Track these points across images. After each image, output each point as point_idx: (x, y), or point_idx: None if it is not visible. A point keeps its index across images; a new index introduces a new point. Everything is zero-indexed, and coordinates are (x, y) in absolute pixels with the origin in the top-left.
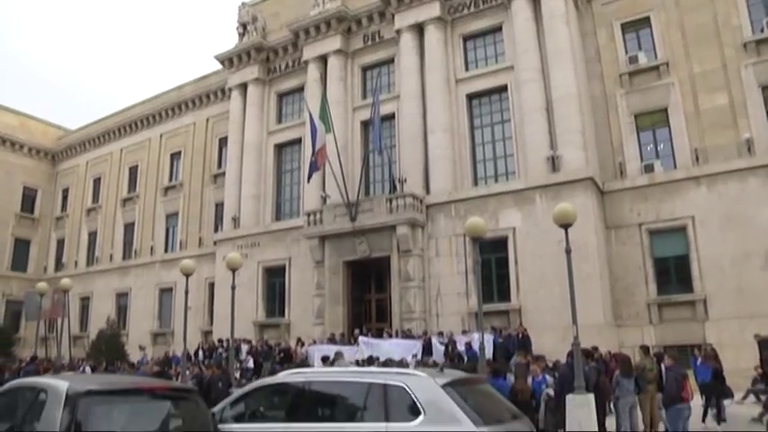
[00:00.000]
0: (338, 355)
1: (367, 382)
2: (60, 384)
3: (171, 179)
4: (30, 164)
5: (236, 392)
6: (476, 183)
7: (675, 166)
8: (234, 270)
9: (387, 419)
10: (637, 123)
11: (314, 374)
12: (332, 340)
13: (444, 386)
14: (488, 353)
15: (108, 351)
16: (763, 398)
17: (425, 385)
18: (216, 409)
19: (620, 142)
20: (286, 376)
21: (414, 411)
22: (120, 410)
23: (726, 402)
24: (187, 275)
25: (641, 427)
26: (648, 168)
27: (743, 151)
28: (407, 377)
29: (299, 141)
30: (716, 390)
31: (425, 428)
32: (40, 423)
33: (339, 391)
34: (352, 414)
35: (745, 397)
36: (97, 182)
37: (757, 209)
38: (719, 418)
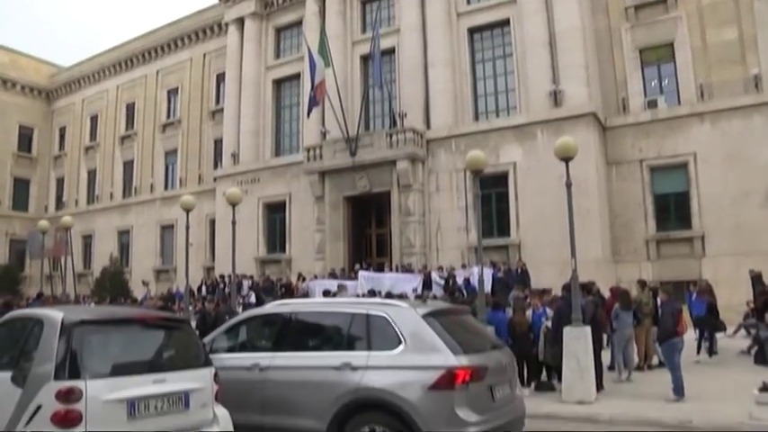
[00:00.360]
0: (341, 287)
1: (350, 312)
2: (56, 315)
3: (169, 116)
4: (24, 102)
5: (227, 323)
6: (477, 118)
7: (679, 103)
8: (234, 205)
9: (369, 348)
10: (641, 58)
11: (300, 305)
12: (333, 275)
13: (425, 316)
14: (487, 287)
15: (112, 288)
16: (752, 332)
17: (406, 315)
18: (207, 339)
19: (624, 77)
20: (274, 307)
21: (395, 341)
22: (114, 340)
23: (718, 336)
24: (187, 211)
25: (635, 359)
26: (652, 104)
27: (750, 88)
28: (389, 307)
29: (297, 77)
30: (709, 323)
31: (405, 357)
32: (37, 352)
33: (324, 322)
34: (336, 343)
35: (736, 331)
36: (94, 120)
37: (760, 147)
38: (711, 350)
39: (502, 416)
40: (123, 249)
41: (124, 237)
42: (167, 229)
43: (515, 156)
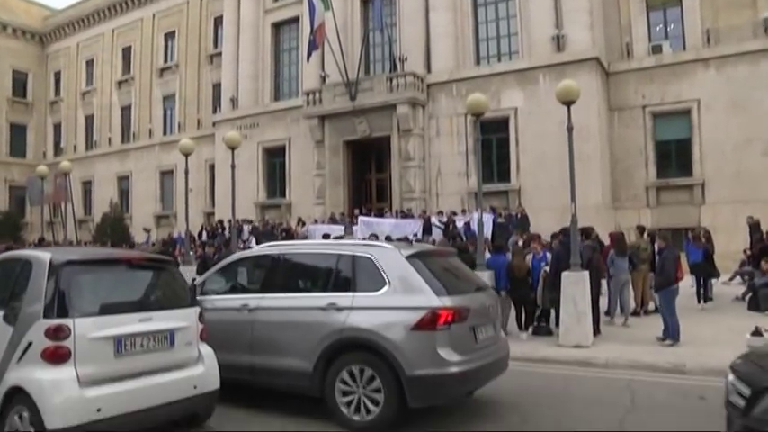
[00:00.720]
0: (347, 230)
1: (336, 253)
2: (44, 255)
3: (166, 60)
4: (16, 46)
5: (218, 265)
6: (478, 62)
7: (684, 48)
8: (233, 149)
9: (354, 289)
10: (647, 2)
11: (288, 247)
12: (333, 220)
13: (409, 257)
14: (488, 232)
15: (113, 234)
16: (747, 279)
17: (391, 256)
18: (198, 281)
19: (629, 22)
20: (262, 249)
21: (379, 281)
22: (101, 280)
23: (713, 282)
24: (186, 155)
25: (632, 304)
26: (656, 49)
27: (759, 32)
28: (374, 248)
29: (296, 20)
30: (705, 270)
31: (389, 297)
32: (27, 292)
33: (311, 263)
34: (322, 284)
35: (732, 278)
36: (90, 64)
37: (765, 93)
38: (706, 296)
39: (484, 356)
40: (123, 195)
41: (124, 182)
42: (167, 175)
43: (517, 101)
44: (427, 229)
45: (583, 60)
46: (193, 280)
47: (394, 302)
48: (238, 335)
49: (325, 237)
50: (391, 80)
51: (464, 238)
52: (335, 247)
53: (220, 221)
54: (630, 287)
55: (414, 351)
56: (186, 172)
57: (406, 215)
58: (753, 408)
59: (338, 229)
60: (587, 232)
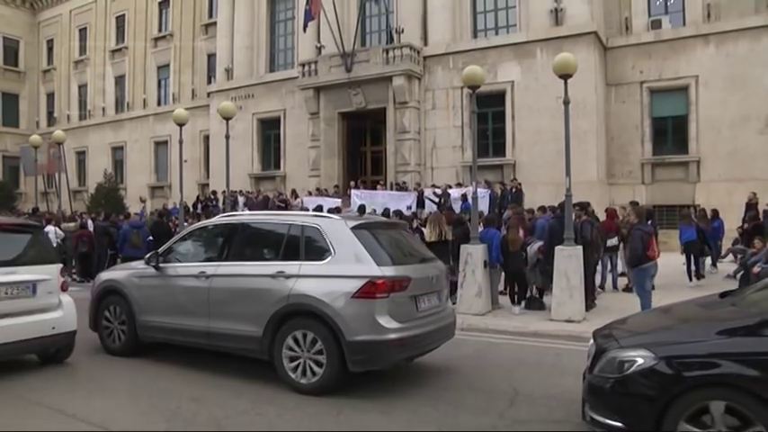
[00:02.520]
0: (344, 203)
1: (288, 223)
2: None
3: (160, 29)
4: (6, 12)
5: (180, 234)
6: (475, 35)
7: (684, 23)
8: (227, 119)
9: (301, 258)
10: None
11: (244, 217)
12: (319, 192)
13: (354, 228)
14: (483, 206)
15: (107, 204)
16: (740, 256)
17: (336, 227)
18: (161, 249)
19: None
20: (221, 218)
21: (325, 251)
22: None
23: (705, 260)
24: (181, 125)
25: (627, 280)
26: (656, 24)
27: (761, 8)
28: (322, 219)
29: None
30: (696, 248)
31: (333, 266)
32: None
33: (264, 233)
34: (273, 253)
35: (724, 256)
36: (83, 32)
37: (765, 70)
38: (699, 274)
39: (425, 324)
40: (117, 166)
41: (118, 153)
42: (161, 146)
43: (513, 74)
44: (421, 201)
45: (581, 34)
46: (155, 248)
47: (337, 271)
48: (197, 301)
49: (319, 209)
50: (387, 52)
51: (461, 211)
52: (286, 218)
53: (214, 192)
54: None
55: (354, 318)
56: (181, 142)
57: (400, 188)
58: (594, 367)
59: (332, 202)
60: (584, 207)
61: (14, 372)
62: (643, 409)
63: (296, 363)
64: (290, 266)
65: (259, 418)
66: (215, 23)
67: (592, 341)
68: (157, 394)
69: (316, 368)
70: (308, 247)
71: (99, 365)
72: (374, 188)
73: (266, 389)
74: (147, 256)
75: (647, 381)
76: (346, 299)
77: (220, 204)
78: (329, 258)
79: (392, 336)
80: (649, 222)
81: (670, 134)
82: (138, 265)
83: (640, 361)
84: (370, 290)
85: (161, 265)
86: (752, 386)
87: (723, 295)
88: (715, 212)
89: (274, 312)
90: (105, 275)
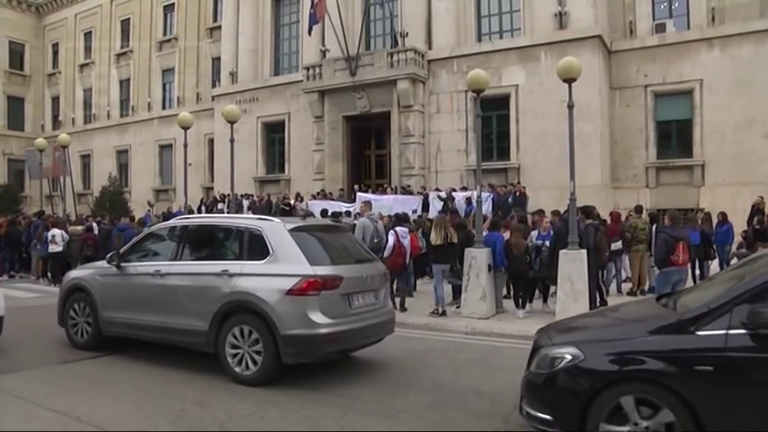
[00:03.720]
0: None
1: (233, 226)
2: None
3: (165, 33)
4: (12, 16)
5: (139, 235)
6: (479, 38)
7: (689, 27)
8: (232, 123)
9: (244, 258)
10: None
11: (197, 220)
12: (323, 196)
13: (291, 231)
14: (486, 209)
15: (112, 207)
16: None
17: (276, 229)
18: (122, 250)
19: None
20: (176, 221)
21: (265, 251)
22: None
23: (709, 264)
24: (185, 129)
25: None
26: (660, 28)
27: (766, 11)
28: (264, 222)
29: None
30: (700, 252)
31: (271, 266)
32: None
33: (213, 235)
34: (220, 253)
35: (729, 260)
36: (88, 36)
37: None
38: (703, 277)
39: (358, 321)
40: (122, 169)
41: (122, 156)
42: (166, 149)
43: (518, 78)
44: (426, 205)
45: (585, 38)
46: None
47: (274, 270)
48: (152, 297)
49: (324, 212)
50: (392, 55)
51: (464, 215)
52: (232, 221)
53: (222, 195)
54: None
55: (287, 313)
56: (185, 146)
57: (405, 192)
58: (530, 363)
59: (336, 205)
60: (588, 211)
61: (17, 373)
62: (569, 403)
63: (237, 355)
64: (234, 266)
65: (263, 420)
66: (220, 27)
67: (535, 338)
68: (161, 397)
69: (256, 359)
70: (251, 247)
71: (103, 368)
72: (379, 192)
73: (270, 392)
74: (109, 255)
75: (573, 376)
76: (281, 296)
77: (225, 208)
78: (268, 258)
79: (323, 330)
80: (654, 226)
81: (674, 138)
82: (103, 264)
83: (568, 357)
84: (303, 288)
85: (122, 264)
86: (664, 380)
87: (659, 298)
88: (724, 216)
89: (219, 308)
90: (73, 274)
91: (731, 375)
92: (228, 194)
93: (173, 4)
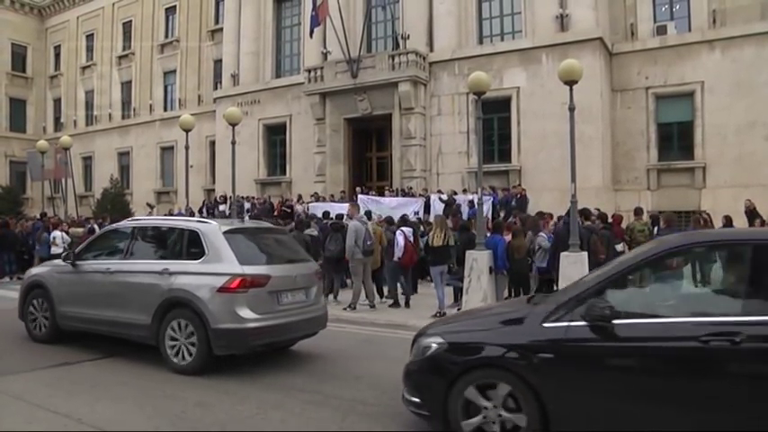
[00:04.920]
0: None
1: (175, 227)
2: None
3: (167, 35)
4: (15, 19)
5: (93, 236)
6: (481, 41)
7: (690, 29)
8: (233, 125)
9: (184, 257)
10: None
11: (144, 221)
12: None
13: (226, 233)
14: (486, 212)
15: (113, 209)
16: None
17: (211, 231)
18: (77, 249)
19: (634, 1)
20: (126, 222)
21: (201, 251)
22: None
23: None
24: (187, 131)
25: None
26: (661, 30)
27: (767, 14)
28: (201, 224)
29: None
30: None
31: (206, 265)
32: None
33: (157, 235)
34: (163, 253)
35: None
36: (90, 38)
37: None
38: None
39: (286, 317)
40: (123, 171)
41: (124, 158)
42: (167, 151)
43: (519, 80)
44: (428, 207)
45: (586, 40)
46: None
47: (208, 269)
48: (102, 293)
49: (326, 214)
50: (393, 58)
51: (467, 217)
52: (175, 223)
53: (223, 196)
54: None
55: (217, 309)
56: (187, 148)
57: (406, 194)
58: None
59: (339, 207)
60: (586, 214)
61: (18, 375)
62: (434, 386)
63: (175, 347)
64: (174, 264)
65: (264, 422)
66: (221, 29)
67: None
68: (163, 399)
69: (191, 350)
70: (189, 248)
71: (104, 370)
72: (381, 194)
73: (272, 394)
74: (65, 254)
75: (437, 362)
76: (213, 293)
77: (227, 210)
78: (204, 258)
79: (250, 325)
80: (655, 229)
81: (676, 140)
82: (60, 262)
83: (435, 346)
84: (232, 285)
85: (77, 262)
86: (511, 366)
87: (529, 300)
88: (728, 219)
89: (160, 304)
90: (33, 271)
91: (569, 361)
92: (230, 196)
93: (174, 6)
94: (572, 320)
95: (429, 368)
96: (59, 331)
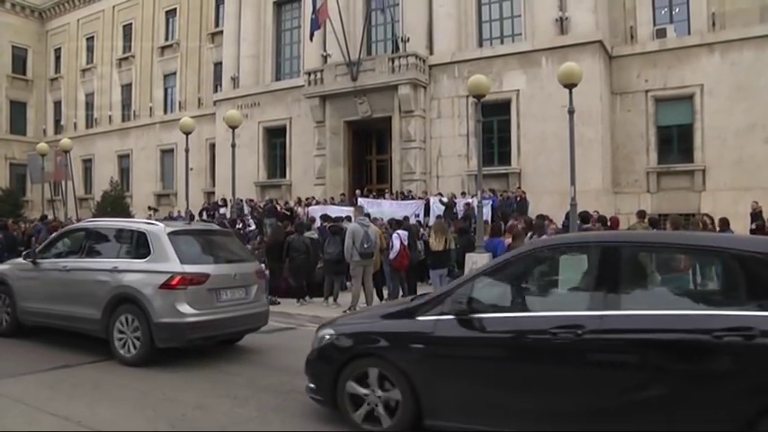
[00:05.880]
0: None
1: (125, 228)
2: None
3: (167, 38)
4: (16, 21)
5: (52, 236)
6: (481, 44)
7: (689, 32)
8: (233, 128)
9: (132, 256)
10: None
11: (97, 223)
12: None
13: (170, 234)
14: (485, 215)
15: (113, 212)
16: None
17: (157, 232)
18: (38, 248)
19: (633, 5)
20: (81, 223)
21: (147, 251)
22: None
23: None
24: (187, 134)
25: None
26: (661, 33)
27: (766, 17)
28: (148, 225)
29: None
30: None
31: (149, 263)
32: None
33: (109, 235)
34: (114, 252)
35: None
36: (90, 41)
37: None
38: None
39: (224, 312)
40: (124, 173)
41: (124, 161)
42: (167, 154)
43: (519, 83)
44: (428, 210)
45: (586, 43)
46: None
47: (152, 267)
48: (59, 290)
49: (325, 217)
50: (393, 61)
51: (469, 221)
52: (126, 224)
53: (223, 199)
54: None
55: (160, 305)
56: (187, 151)
57: (406, 197)
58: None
59: (338, 210)
60: (585, 217)
61: (19, 377)
62: (325, 372)
63: (122, 340)
64: (123, 263)
65: (263, 425)
66: (221, 32)
67: None
68: (163, 402)
69: (136, 343)
70: (137, 248)
71: (104, 372)
72: (381, 197)
73: (272, 398)
74: (25, 252)
75: (328, 351)
76: (155, 290)
77: (227, 213)
78: (149, 257)
79: (188, 319)
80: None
81: (675, 143)
82: (22, 260)
83: (327, 337)
84: (172, 283)
85: (37, 260)
86: (386, 354)
87: (413, 298)
88: (725, 222)
89: (109, 299)
90: None
91: (436, 350)
92: (229, 199)
93: (175, 9)
94: (441, 314)
95: (321, 357)
96: (20, 326)
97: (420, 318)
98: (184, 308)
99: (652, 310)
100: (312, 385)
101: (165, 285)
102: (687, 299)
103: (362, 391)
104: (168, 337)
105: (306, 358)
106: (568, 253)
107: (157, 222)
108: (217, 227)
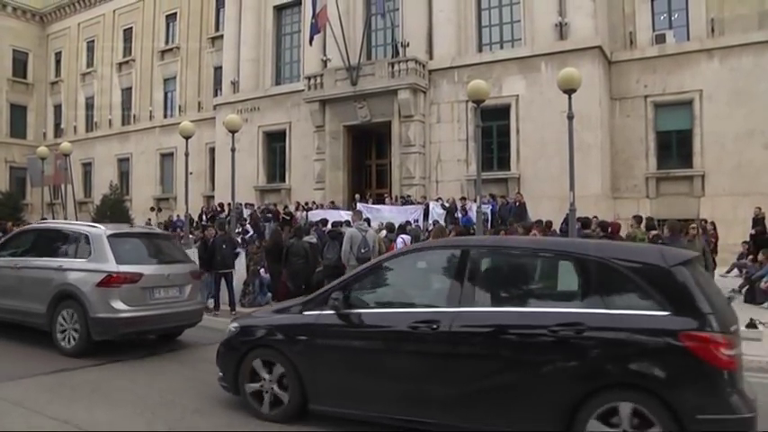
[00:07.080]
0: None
1: (71, 230)
2: None
3: (167, 42)
4: (17, 26)
5: (7, 236)
6: (480, 49)
7: (689, 38)
8: (233, 132)
9: (74, 256)
10: None
11: (48, 224)
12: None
13: (109, 236)
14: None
15: (113, 216)
16: (745, 271)
17: (98, 234)
18: None
19: (633, 10)
20: (32, 225)
21: (88, 252)
22: None
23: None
24: (187, 138)
25: None
26: (660, 39)
27: (764, 23)
28: (90, 228)
29: (298, 3)
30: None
31: (90, 263)
32: None
33: (57, 237)
34: (60, 252)
35: (729, 271)
36: (91, 45)
37: None
38: None
39: (156, 309)
40: (123, 177)
41: (124, 164)
42: (167, 158)
43: (518, 88)
44: (427, 215)
45: (585, 49)
46: None
47: (92, 267)
48: (10, 285)
49: (324, 221)
50: (393, 65)
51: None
52: (71, 227)
53: (221, 204)
54: None
55: (96, 301)
56: (186, 155)
57: (405, 202)
58: None
59: (337, 214)
60: (585, 223)
61: (18, 381)
62: (229, 361)
63: (64, 333)
64: (67, 262)
65: (263, 426)
66: (221, 36)
67: None
68: (161, 406)
69: (75, 336)
70: (79, 248)
71: (103, 376)
72: (380, 201)
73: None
74: None
75: (231, 342)
76: (93, 287)
77: (227, 218)
78: (89, 257)
79: (121, 315)
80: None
81: (675, 148)
82: None
83: (233, 329)
84: (107, 281)
85: None
86: (276, 345)
87: (306, 296)
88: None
89: (53, 295)
90: None
91: (317, 341)
92: (229, 203)
93: (175, 13)
94: (323, 309)
95: (227, 347)
96: None
97: (306, 312)
98: (118, 304)
99: (500, 308)
100: (220, 373)
101: (102, 283)
102: (532, 298)
103: (265, 375)
104: (103, 330)
105: (216, 350)
106: (431, 256)
107: (100, 226)
108: (158, 230)
